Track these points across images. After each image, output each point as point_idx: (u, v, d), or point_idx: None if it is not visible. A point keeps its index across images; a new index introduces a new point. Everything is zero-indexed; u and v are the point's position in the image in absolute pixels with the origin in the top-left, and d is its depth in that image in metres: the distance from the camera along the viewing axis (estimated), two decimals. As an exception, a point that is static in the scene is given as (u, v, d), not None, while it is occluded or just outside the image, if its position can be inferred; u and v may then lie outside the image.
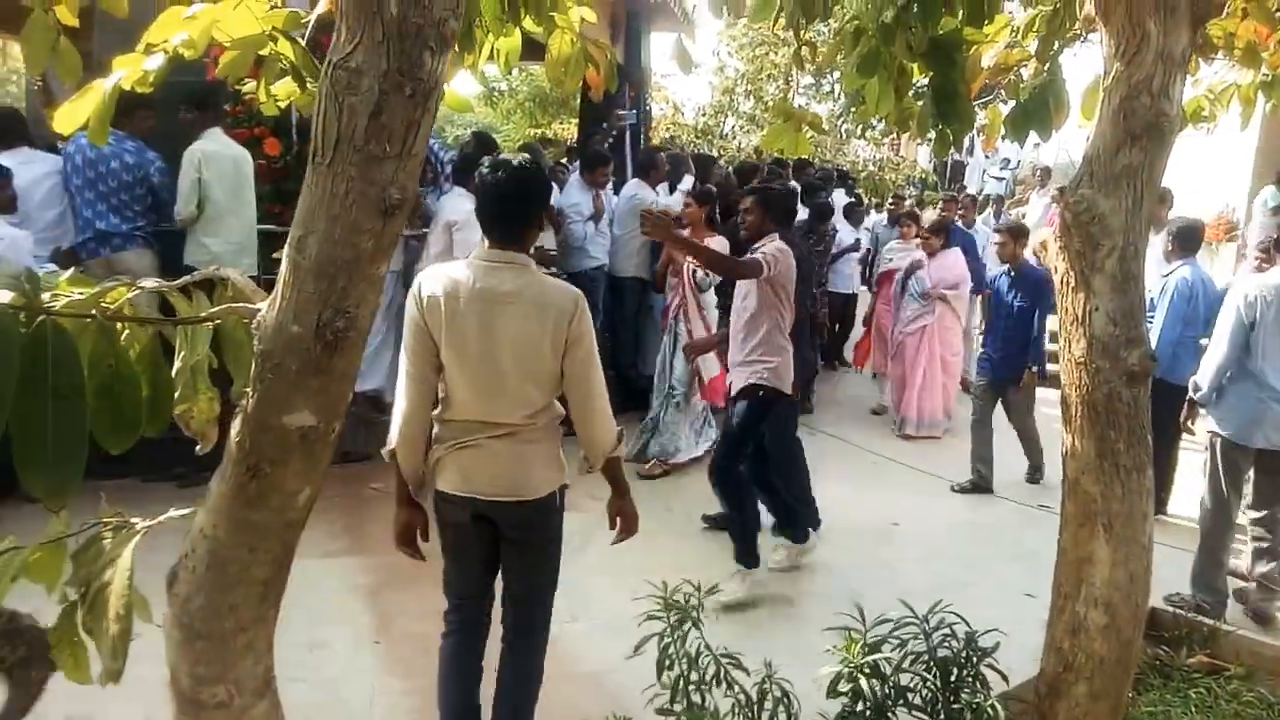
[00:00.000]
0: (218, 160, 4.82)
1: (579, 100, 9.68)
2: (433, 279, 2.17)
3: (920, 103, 2.55)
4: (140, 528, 1.35)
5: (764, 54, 15.44)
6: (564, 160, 8.02)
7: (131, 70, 1.72)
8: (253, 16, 1.80)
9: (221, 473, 1.11)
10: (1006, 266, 5.42)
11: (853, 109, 2.90)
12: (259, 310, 1.05)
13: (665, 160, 6.77)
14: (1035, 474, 5.50)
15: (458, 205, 5.16)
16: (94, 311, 0.92)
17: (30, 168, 4.85)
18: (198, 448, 1.21)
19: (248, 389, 1.22)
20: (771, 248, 3.63)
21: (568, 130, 15.99)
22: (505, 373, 2.14)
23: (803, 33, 2.47)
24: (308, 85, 2.07)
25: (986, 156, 13.16)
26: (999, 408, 5.41)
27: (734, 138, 15.87)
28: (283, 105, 2.19)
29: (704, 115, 16.12)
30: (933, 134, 2.48)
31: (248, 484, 1.08)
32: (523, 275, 2.17)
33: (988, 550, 4.42)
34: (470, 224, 4.63)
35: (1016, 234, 5.55)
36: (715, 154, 12.33)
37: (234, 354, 1.24)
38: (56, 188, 4.89)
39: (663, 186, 6.66)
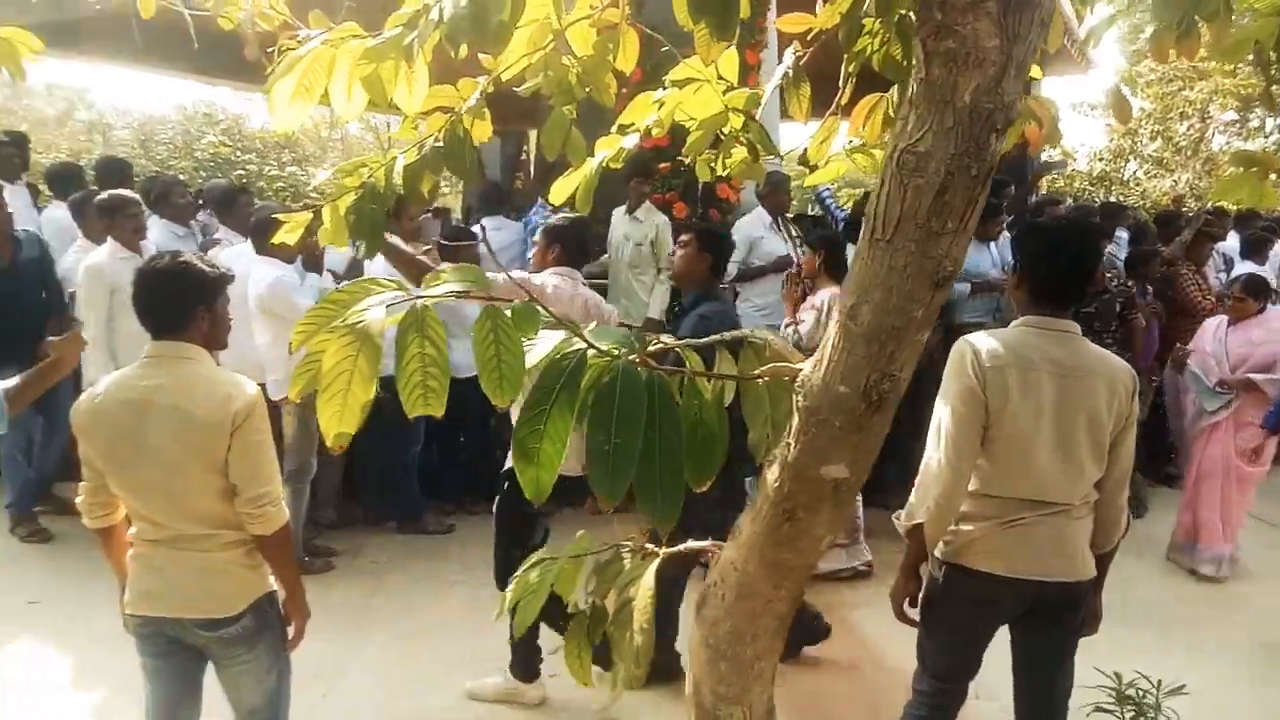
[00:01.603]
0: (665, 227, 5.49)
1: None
2: (990, 347, 2.10)
3: None
4: (663, 553, 1.55)
5: (1175, 90, 13.87)
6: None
7: (612, 150, 2.02)
8: (715, 98, 2.02)
9: (754, 513, 1.25)
10: None
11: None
12: (800, 370, 1.18)
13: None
14: None
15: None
16: (685, 368, 1.10)
17: (500, 233, 5.80)
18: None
19: (767, 438, 1.37)
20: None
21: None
22: (1076, 448, 2.05)
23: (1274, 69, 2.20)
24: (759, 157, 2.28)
25: None
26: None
27: (1137, 183, 14.36)
28: (719, 174, 2.40)
29: (1100, 160, 14.81)
30: None
31: (781, 526, 1.20)
32: (1078, 344, 2.10)
33: None
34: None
35: None
36: (1118, 200, 11.23)
37: (752, 406, 1.39)
38: (520, 251, 5.78)
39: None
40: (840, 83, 2.08)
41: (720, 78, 1.99)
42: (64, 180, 5.80)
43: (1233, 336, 4.52)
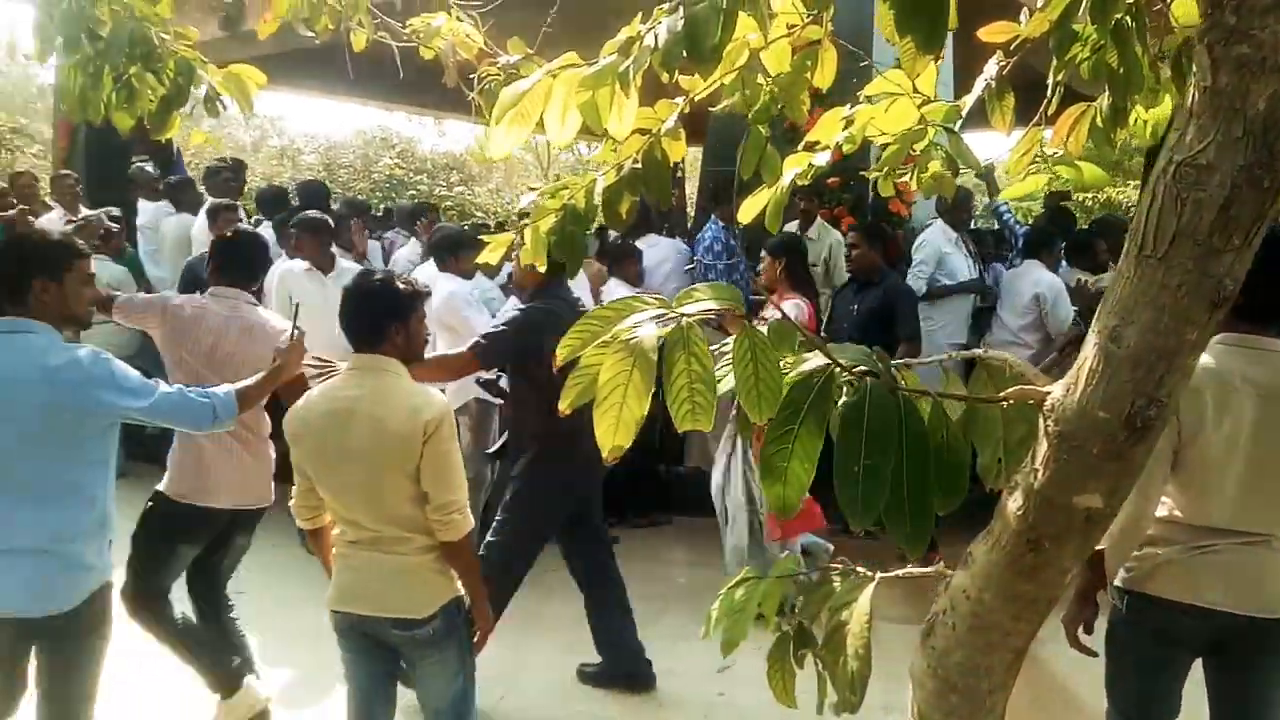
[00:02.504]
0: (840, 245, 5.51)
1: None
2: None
3: None
4: (877, 577, 1.52)
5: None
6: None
7: (801, 167, 2.00)
8: (911, 112, 1.96)
9: (992, 541, 1.20)
10: None
11: None
12: (1047, 393, 1.12)
13: None
14: None
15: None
16: (930, 390, 1.07)
17: (654, 250, 5.86)
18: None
19: (999, 463, 1.32)
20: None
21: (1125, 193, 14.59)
22: (1278, 475, 1.95)
23: None
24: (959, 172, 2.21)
25: None
26: None
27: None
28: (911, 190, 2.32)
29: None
30: None
31: (1023, 556, 1.14)
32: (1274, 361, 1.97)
33: None
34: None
35: None
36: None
37: (983, 428, 1.34)
38: (676, 267, 5.82)
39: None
40: (1049, 93, 1.99)
41: (915, 91, 1.94)
42: (271, 203, 6.34)
43: None
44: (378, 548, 2.33)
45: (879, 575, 1.44)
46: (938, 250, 5.40)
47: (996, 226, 6.74)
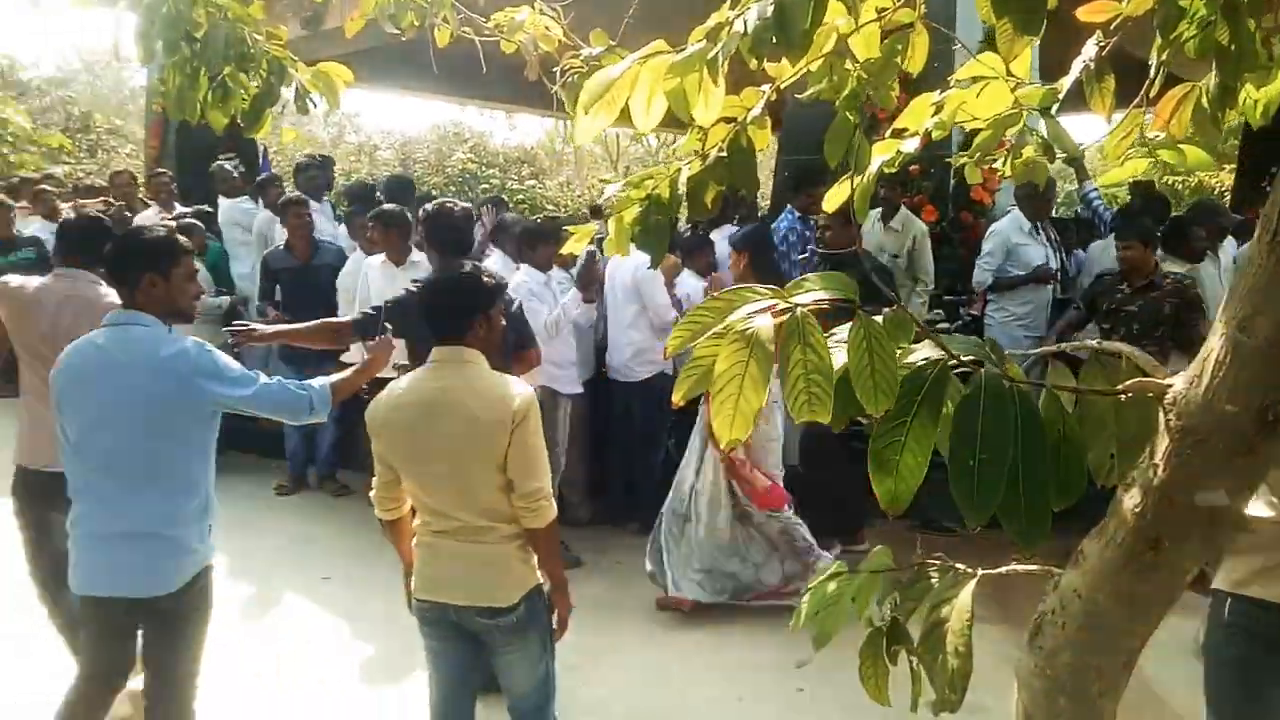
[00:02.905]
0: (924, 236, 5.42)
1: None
2: None
3: None
4: (978, 574, 1.48)
5: None
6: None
7: (890, 154, 1.95)
8: (1005, 96, 1.89)
9: (1104, 538, 1.15)
10: None
11: None
12: (1169, 385, 1.07)
13: None
14: None
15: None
16: (1046, 383, 1.04)
17: (726, 243, 5.80)
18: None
19: (1111, 458, 1.27)
20: None
21: (1217, 177, 13.94)
22: None
23: None
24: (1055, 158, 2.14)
25: None
26: None
27: None
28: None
29: None
30: None
31: (1142, 555, 1.10)
32: None
33: None
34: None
35: None
36: None
37: (1094, 422, 1.29)
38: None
39: None
40: (1153, 73, 1.91)
41: (1010, 74, 1.88)
42: (359, 197, 6.49)
43: None
44: (464, 537, 2.36)
45: (980, 572, 1.40)
46: (1006, 241, 5.25)
47: (1082, 214, 6.52)
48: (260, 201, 6.67)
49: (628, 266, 4.84)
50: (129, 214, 6.75)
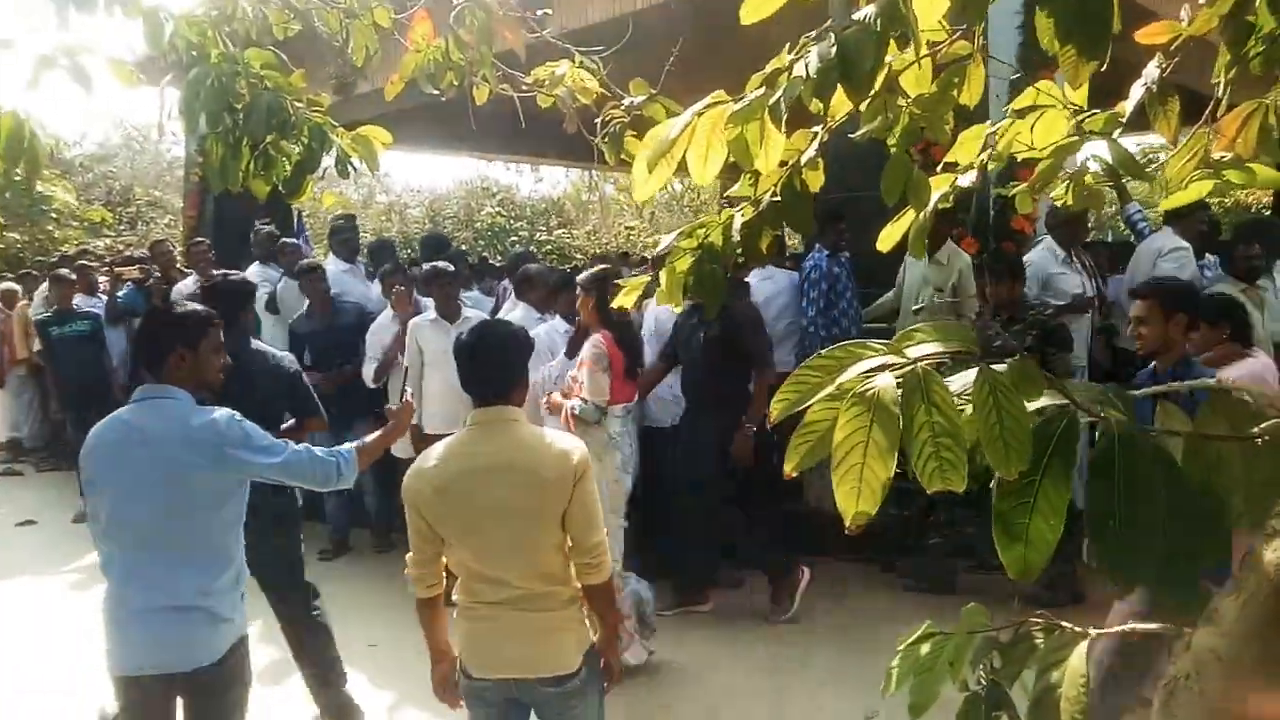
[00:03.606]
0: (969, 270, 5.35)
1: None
2: None
3: None
4: (1091, 634, 1.37)
5: None
6: None
7: (947, 188, 1.88)
8: (1063, 123, 1.82)
9: (1244, 594, 1.05)
10: None
11: None
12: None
13: None
14: None
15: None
16: (1180, 430, 0.95)
17: (768, 283, 5.75)
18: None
19: (1240, 505, 1.17)
20: None
21: (1255, 195, 13.71)
22: None
23: None
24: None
25: None
26: None
27: None
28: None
29: None
30: None
31: (1283, 613, 1.00)
32: None
33: None
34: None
35: None
36: None
37: (1220, 468, 1.20)
38: (791, 301, 5.69)
39: None
40: (1220, 91, 1.84)
41: (1067, 102, 1.82)
42: (379, 254, 6.57)
43: None
44: (525, 606, 2.28)
45: (1094, 632, 1.30)
46: (1041, 271, 5.13)
47: (1109, 239, 6.38)
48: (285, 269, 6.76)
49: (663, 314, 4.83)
50: (166, 285, 6.85)
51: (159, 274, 7.07)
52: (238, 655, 2.51)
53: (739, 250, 1.77)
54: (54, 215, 13.53)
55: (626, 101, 2.53)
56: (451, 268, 5.03)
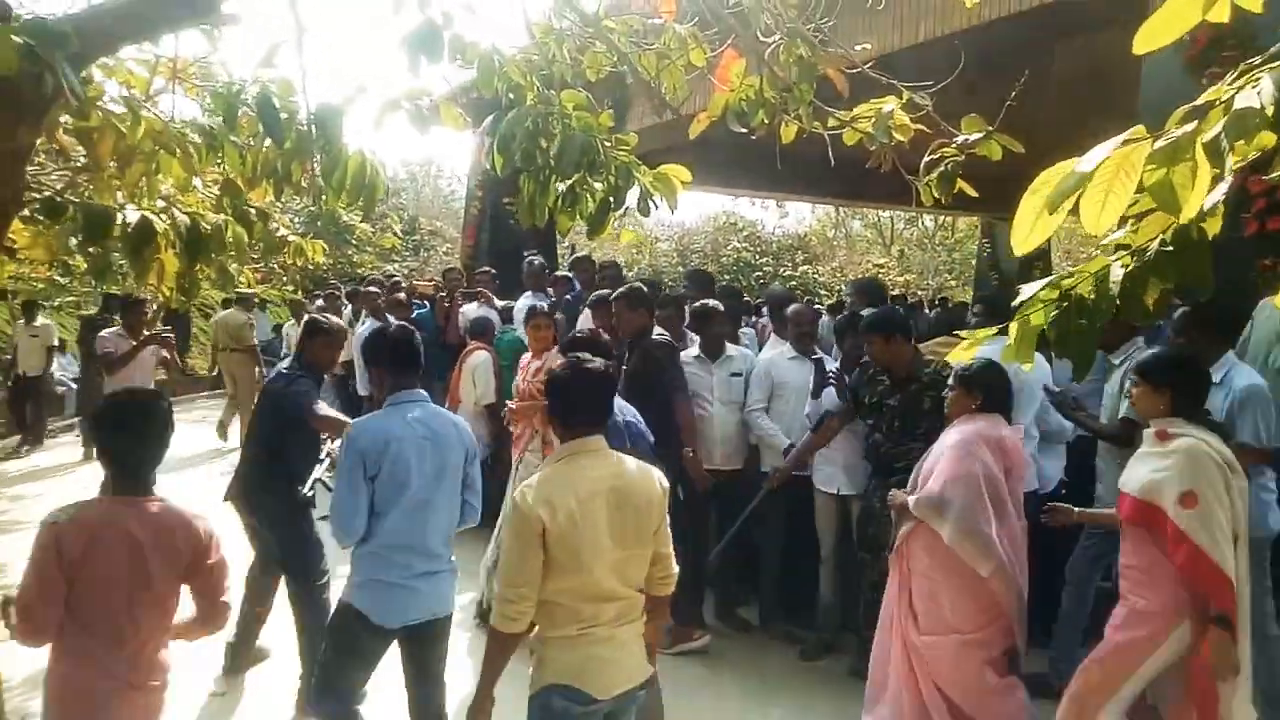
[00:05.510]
0: None
1: None
2: None
3: None
4: None
5: None
6: None
7: None
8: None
9: None
10: None
11: None
12: None
13: None
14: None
15: None
16: None
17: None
18: None
19: None
20: None
21: None
22: None
23: None
24: None
25: None
26: None
27: None
28: None
29: None
30: None
31: None
32: None
33: None
34: None
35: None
36: None
37: None
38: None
39: None
40: None
41: None
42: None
43: None
44: (632, 617, 2.42)
45: None
46: None
47: None
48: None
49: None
50: (451, 305, 7.37)
51: (444, 295, 7.63)
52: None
53: (1116, 304, 1.56)
54: (354, 242, 15.16)
55: (960, 139, 2.33)
56: (721, 306, 4.95)
